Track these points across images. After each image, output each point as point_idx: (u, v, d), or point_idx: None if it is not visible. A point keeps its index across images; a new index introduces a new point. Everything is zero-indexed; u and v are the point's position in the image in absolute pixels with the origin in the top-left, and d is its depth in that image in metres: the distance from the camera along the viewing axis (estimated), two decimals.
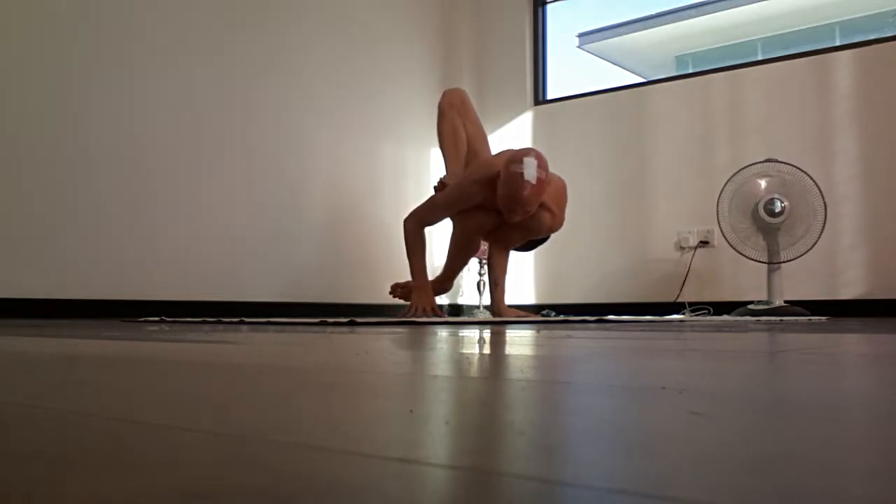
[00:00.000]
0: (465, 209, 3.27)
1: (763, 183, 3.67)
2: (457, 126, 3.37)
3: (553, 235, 4.27)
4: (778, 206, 3.59)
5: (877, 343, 1.32)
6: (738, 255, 3.76)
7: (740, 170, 3.75)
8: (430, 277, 3.50)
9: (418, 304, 3.27)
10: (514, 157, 2.99)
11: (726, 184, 3.74)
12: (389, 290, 3.55)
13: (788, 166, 3.65)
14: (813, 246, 3.57)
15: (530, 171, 2.93)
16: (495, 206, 3.19)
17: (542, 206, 3.16)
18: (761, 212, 3.61)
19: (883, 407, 0.51)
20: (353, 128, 4.39)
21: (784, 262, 3.63)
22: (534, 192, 2.95)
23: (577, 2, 5.44)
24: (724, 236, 3.73)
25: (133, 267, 3.34)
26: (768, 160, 3.71)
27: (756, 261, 3.69)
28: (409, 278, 3.39)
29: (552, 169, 3.49)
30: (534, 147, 3.91)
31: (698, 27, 11.59)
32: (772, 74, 4.16)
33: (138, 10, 3.44)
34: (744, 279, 4.07)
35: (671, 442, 0.37)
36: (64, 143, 3.16)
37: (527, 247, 3.59)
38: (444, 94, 3.46)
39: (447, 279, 3.50)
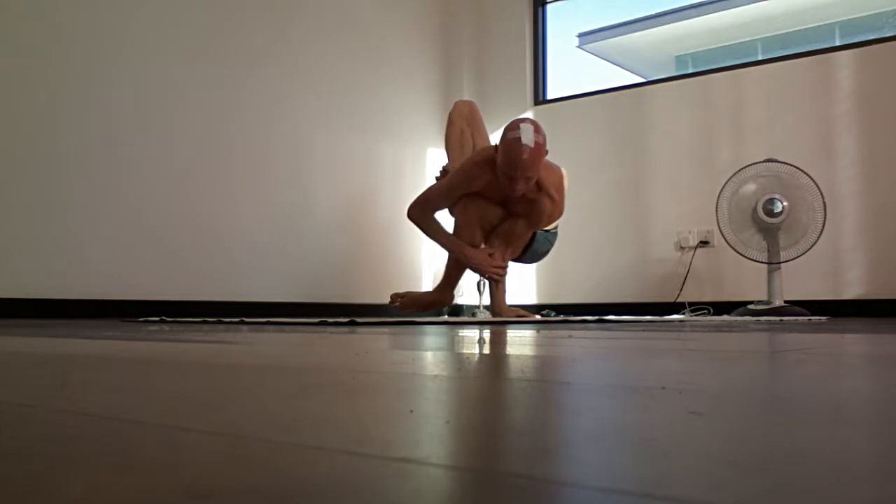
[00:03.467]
0: (467, 195, 3.26)
1: (762, 183, 3.67)
2: (464, 132, 3.43)
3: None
4: (777, 207, 3.59)
5: (877, 343, 1.32)
6: (738, 254, 3.76)
7: (739, 170, 3.75)
8: (428, 286, 3.50)
9: (482, 268, 3.27)
10: (511, 125, 3.02)
11: (725, 184, 3.74)
12: (389, 300, 3.53)
13: (788, 166, 3.65)
14: (812, 246, 3.57)
15: (527, 135, 2.94)
16: (497, 196, 3.20)
17: (543, 191, 3.14)
18: (760, 212, 3.60)
19: (883, 407, 0.51)
20: (354, 128, 4.39)
21: (784, 262, 3.63)
22: (532, 156, 2.93)
23: (577, 2, 5.44)
24: (724, 237, 3.73)
25: (133, 267, 3.34)
26: (768, 160, 3.71)
27: (756, 261, 3.69)
28: (409, 287, 3.39)
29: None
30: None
31: (698, 27, 11.57)
32: (772, 74, 4.16)
33: (140, 10, 3.44)
34: (744, 279, 4.06)
35: (671, 442, 0.37)
36: (64, 143, 3.16)
37: (529, 259, 3.58)
38: (455, 105, 3.55)
39: (448, 287, 3.46)
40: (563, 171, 3.29)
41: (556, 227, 3.52)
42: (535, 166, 2.98)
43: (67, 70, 3.19)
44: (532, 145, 2.93)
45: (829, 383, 0.67)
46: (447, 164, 3.52)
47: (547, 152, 3.09)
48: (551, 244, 3.55)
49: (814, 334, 1.67)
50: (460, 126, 3.44)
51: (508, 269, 3.50)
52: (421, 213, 3.35)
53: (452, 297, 3.52)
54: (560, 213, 3.31)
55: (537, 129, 3.01)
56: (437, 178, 3.49)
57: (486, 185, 3.18)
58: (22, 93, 3.05)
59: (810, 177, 3.60)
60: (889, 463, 0.33)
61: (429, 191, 3.37)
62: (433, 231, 3.36)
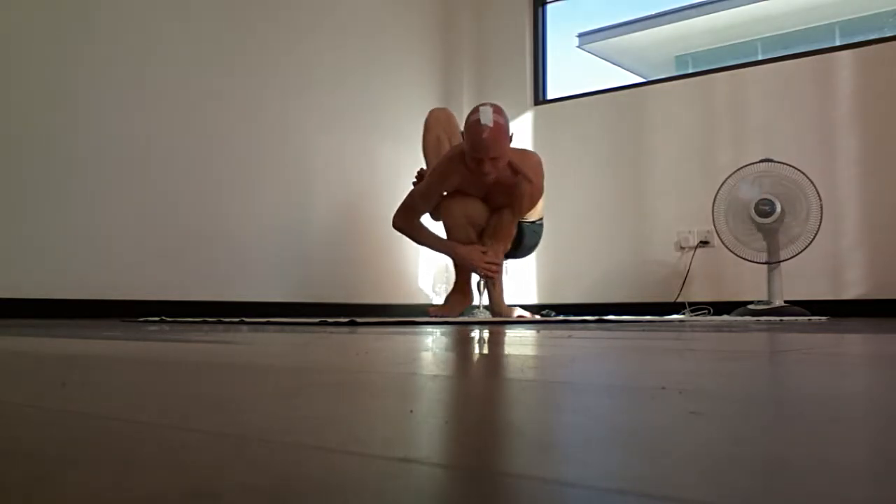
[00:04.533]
0: (448, 196, 3.30)
1: (757, 183, 3.67)
2: (441, 139, 3.47)
3: (553, 234, 4.26)
4: (769, 207, 3.59)
5: (877, 343, 1.32)
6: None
7: (735, 171, 3.75)
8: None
9: (475, 263, 3.30)
10: (473, 110, 3.09)
11: (721, 186, 3.75)
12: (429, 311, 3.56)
13: (784, 165, 3.65)
14: (808, 245, 3.56)
15: (486, 116, 3.00)
16: (477, 190, 3.24)
17: (520, 174, 3.17)
18: (752, 213, 3.61)
19: (883, 407, 0.51)
20: (354, 129, 4.39)
21: (779, 261, 3.63)
22: (492, 136, 2.98)
23: (577, 2, 5.44)
24: (721, 238, 3.74)
25: (133, 267, 3.34)
26: (763, 160, 3.71)
27: (751, 261, 3.69)
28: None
29: (552, 166, 3.49)
30: (535, 150, 3.92)
31: (698, 27, 11.57)
32: (772, 74, 4.16)
33: (142, 15, 3.43)
34: (744, 279, 4.06)
35: (671, 442, 0.37)
36: (65, 143, 3.16)
37: (521, 253, 3.58)
38: (431, 112, 3.62)
39: (464, 289, 3.49)
40: (539, 157, 3.32)
41: (541, 219, 3.53)
42: (497, 146, 3.01)
43: (73, 72, 3.19)
44: (491, 125, 2.98)
45: (829, 383, 0.67)
46: (422, 168, 3.55)
47: (512, 136, 3.13)
48: (539, 235, 3.56)
49: (814, 334, 1.67)
50: (437, 133, 3.49)
51: (505, 269, 3.51)
52: (405, 219, 3.38)
53: (471, 297, 3.53)
54: (539, 195, 3.30)
55: (497, 110, 3.05)
56: (414, 183, 3.52)
57: (463, 180, 3.22)
58: (22, 94, 3.05)
59: (807, 176, 3.59)
60: (889, 463, 0.33)
61: (409, 196, 3.40)
62: (421, 235, 3.39)
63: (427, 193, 3.32)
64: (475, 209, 3.31)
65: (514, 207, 3.27)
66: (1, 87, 3.00)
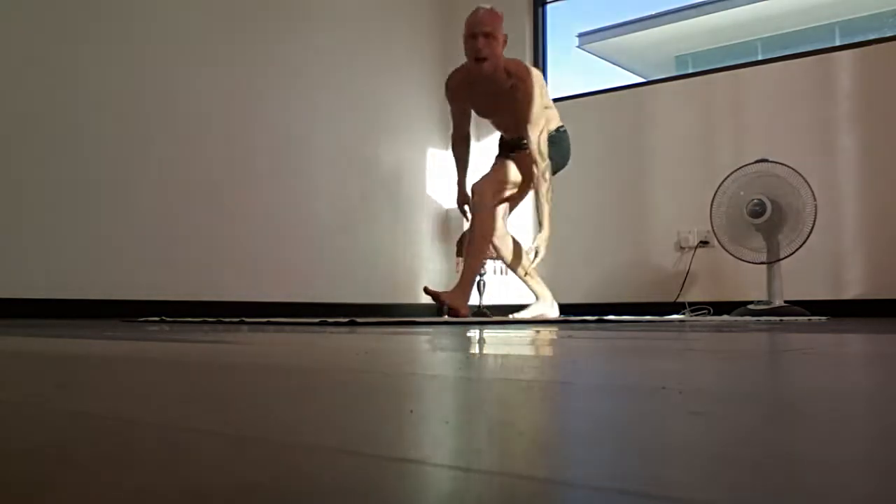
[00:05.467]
0: (482, 177, 3.42)
1: (751, 184, 3.67)
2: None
3: (554, 234, 4.24)
4: (760, 207, 3.59)
5: (876, 343, 1.32)
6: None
7: (730, 173, 3.75)
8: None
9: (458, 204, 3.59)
10: None
11: (718, 188, 3.75)
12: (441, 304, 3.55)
13: (779, 165, 3.65)
14: (802, 244, 3.56)
15: (483, 5, 3.28)
16: (483, 100, 3.40)
17: (513, 76, 3.29)
18: (745, 214, 3.62)
19: (882, 407, 0.51)
20: (354, 128, 4.39)
21: (775, 261, 3.63)
22: (486, 13, 3.22)
23: (577, 2, 5.43)
24: (718, 240, 3.74)
25: (133, 267, 3.34)
26: (759, 161, 3.71)
27: (748, 262, 3.70)
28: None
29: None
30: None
31: (698, 27, 11.57)
32: (772, 74, 4.15)
33: (141, 12, 3.44)
34: (744, 279, 4.06)
35: (671, 442, 0.37)
36: (64, 143, 3.16)
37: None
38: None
39: (467, 285, 3.47)
40: (534, 70, 3.45)
41: (559, 128, 3.61)
42: (491, 22, 3.20)
43: (71, 73, 3.19)
44: (487, 7, 3.24)
45: (829, 383, 0.67)
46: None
47: (506, 37, 3.28)
48: (563, 142, 3.63)
49: (813, 334, 1.67)
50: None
51: (521, 256, 3.56)
52: (452, 146, 3.61)
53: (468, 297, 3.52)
54: (527, 86, 3.35)
55: (493, 7, 3.28)
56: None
57: (471, 95, 3.36)
58: (23, 93, 3.05)
59: (801, 175, 3.59)
60: (888, 463, 0.33)
61: None
62: (457, 169, 3.60)
63: (454, 126, 3.54)
64: (506, 175, 3.41)
65: (519, 112, 3.32)
66: (2, 87, 3.00)
